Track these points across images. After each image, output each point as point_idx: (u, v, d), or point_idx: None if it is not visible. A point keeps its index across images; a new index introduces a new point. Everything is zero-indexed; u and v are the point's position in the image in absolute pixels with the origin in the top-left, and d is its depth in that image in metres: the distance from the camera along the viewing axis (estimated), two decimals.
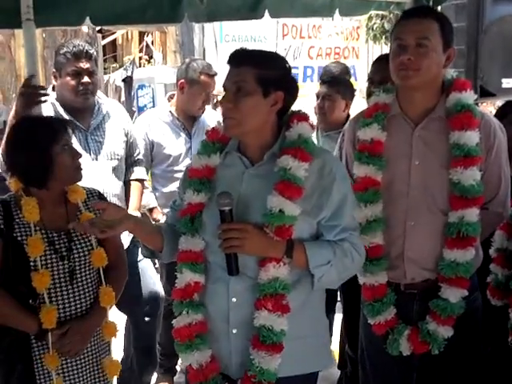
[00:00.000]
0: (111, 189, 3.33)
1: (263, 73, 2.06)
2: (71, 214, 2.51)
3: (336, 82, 4.02)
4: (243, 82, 2.05)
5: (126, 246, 3.08)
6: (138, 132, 3.92)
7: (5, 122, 5.08)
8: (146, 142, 3.90)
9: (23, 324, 2.42)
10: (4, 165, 3.03)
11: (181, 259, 2.19)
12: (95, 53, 3.45)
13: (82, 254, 2.49)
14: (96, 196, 2.62)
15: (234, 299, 2.12)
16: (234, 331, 2.14)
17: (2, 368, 2.45)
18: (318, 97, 3.98)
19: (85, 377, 2.52)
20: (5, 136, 3.08)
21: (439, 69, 2.43)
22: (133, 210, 3.53)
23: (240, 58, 2.12)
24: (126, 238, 3.23)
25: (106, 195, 2.88)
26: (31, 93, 2.96)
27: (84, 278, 2.50)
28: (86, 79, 3.25)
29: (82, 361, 2.51)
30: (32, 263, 2.40)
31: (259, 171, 2.14)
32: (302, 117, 2.15)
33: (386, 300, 2.55)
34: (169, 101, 4.15)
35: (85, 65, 3.25)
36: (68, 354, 2.44)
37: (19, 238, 2.42)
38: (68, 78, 3.25)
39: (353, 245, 2.14)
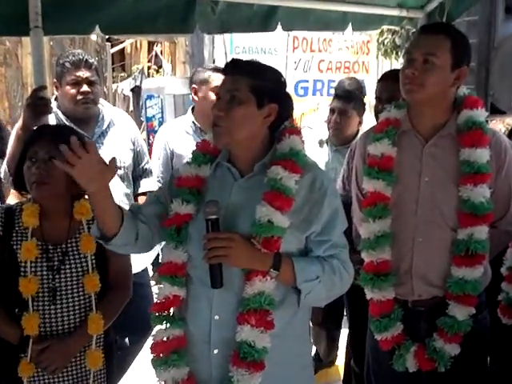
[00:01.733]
0: (119, 197, 3.29)
1: (258, 83, 2.03)
2: (72, 230, 2.45)
3: (352, 98, 4.00)
4: (237, 90, 2.02)
5: (138, 270, 3.02)
6: (159, 141, 3.93)
7: None
8: (167, 151, 3.88)
9: (5, 332, 2.39)
10: (8, 173, 3.04)
11: (161, 271, 2.11)
12: (95, 62, 3.44)
13: (74, 274, 2.42)
14: None
15: (216, 317, 2.05)
16: (215, 351, 2.07)
17: None
18: (332, 111, 3.94)
19: None
20: (9, 145, 3.08)
21: (446, 86, 2.41)
22: None
23: (236, 67, 2.09)
24: (139, 263, 3.19)
25: None
26: (38, 104, 2.95)
27: (71, 298, 2.42)
28: (85, 88, 3.24)
29: (61, 382, 2.43)
30: (22, 268, 2.36)
31: (248, 183, 2.09)
32: (294, 130, 2.11)
33: (393, 316, 2.53)
34: (192, 111, 4.13)
35: (84, 74, 3.25)
36: (45, 370, 2.38)
37: (14, 246, 2.39)
38: (68, 88, 3.25)
39: (342, 262, 2.09)
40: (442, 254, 2.47)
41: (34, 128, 2.66)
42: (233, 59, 2.16)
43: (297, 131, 2.12)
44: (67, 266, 2.41)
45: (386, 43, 8.83)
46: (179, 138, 3.88)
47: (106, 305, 2.46)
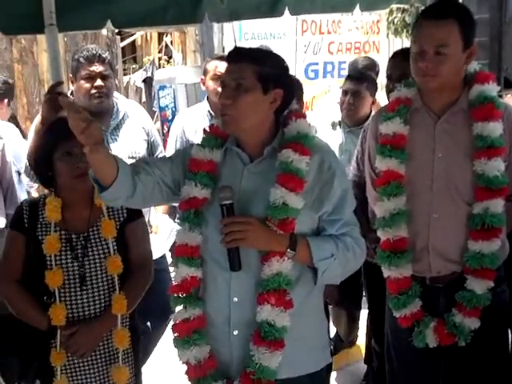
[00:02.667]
0: None
1: (263, 69, 2.05)
2: (93, 218, 2.54)
3: (365, 79, 3.99)
4: (242, 78, 2.04)
5: (157, 257, 3.08)
6: (175, 130, 3.99)
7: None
8: (183, 140, 3.93)
9: (34, 320, 2.47)
10: (28, 167, 3.12)
11: (177, 253, 2.16)
12: (109, 56, 3.48)
13: (97, 258, 2.50)
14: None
15: (235, 299, 2.10)
16: (235, 333, 2.12)
17: (19, 361, 2.52)
18: (345, 93, 3.92)
19: (92, 381, 2.53)
20: (29, 140, 3.16)
21: (459, 68, 2.43)
22: (161, 212, 3.58)
23: (240, 55, 2.12)
24: (157, 249, 3.25)
25: None
26: (56, 99, 3.01)
27: (96, 283, 2.51)
28: (99, 82, 3.28)
29: (90, 365, 2.53)
30: (48, 261, 2.45)
31: (258, 167, 2.13)
32: (300, 114, 2.16)
33: (411, 293, 2.55)
34: (208, 100, 4.15)
35: (98, 68, 3.28)
36: (75, 355, 2.46)
37: (40, 237, 2.49)
38: (82, 82, 3.29)
39: (354, 239, 2.13)
40: (459, 228, 2.49)
41: (54, 123, 2.71)
42: (236, 47, 2.21)
43: (303, 115, 2.16)
44: (90, 252, 2.49)
45: (395, 22, 8.78)
46: (195, 126, 3.92)
47: (128, 288, 2.53)
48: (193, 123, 3.96)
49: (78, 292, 2.48)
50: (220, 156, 2.18)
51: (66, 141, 2.43)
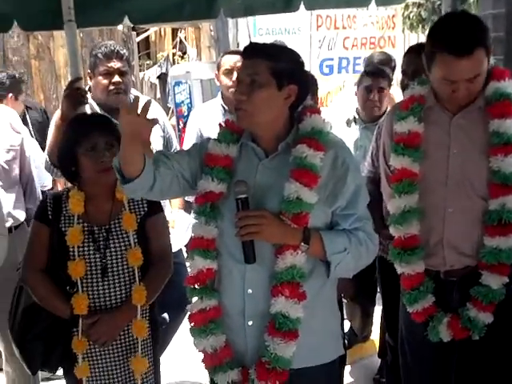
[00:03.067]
0: None
1: (277, 65, 2.07)
2: (115, 211, 2.59)
3: (386, 75, 3.97)
4: (257, 74, 2.06)
5: (174, 251, 3.11)
6: (191, 128, 4.02)
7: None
8: (198, 135, 3.95)
9: (57, 308, 2.53)
10: (48, 162, 3.16)
11: (192, 246, 2.20)
12: (127, 53, 3.51)
13: (118, 250, 2.56)
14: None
15: (249, 290, 2.14)
16: (250, 323, 2.17)
17: (43, 348, 2.57)
18: (369, 89, 3.84)
19: (111, 369, 2.60)
20: (49, 135, 3.19)
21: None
22: (177, 208, 3.61)
23: (254, 51, 2.14)
24: (174, 244, 3.28)
25: None
26: (76, 94, 3.04)
27: (117, 274, 2.56)
28: (116, 78, 3.31)
29: (111, 354, 2.59)
30: (71, 252, 2.51)
31: (273, 162, 2.16)
32: (315, 110, 2.18)
33: (423, 288, 2.57)
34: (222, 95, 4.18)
35: (116, 64, 3.31)
36: (96, 343, 2.52)
37: (63, 229, 2.55)
38: (100, 78, 3.32)
39: (367, 234, 2.16)
40: (473, 223, 2.50)
41: (75, 118, 2.75)
42: (251, 42, 2.23)
43: (317, 110, 2.18)
44: (111, 244, 2.55)
45: (411, 17, 8.76)
46: (210, 121, 3.93)
47: (148, 280, 2.58)
48: (208, 118, 3.98)
49: (100, 282, 2.54)
50: (236, 151, 2.21)
51: (89, 136, 2.49)
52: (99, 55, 3.31)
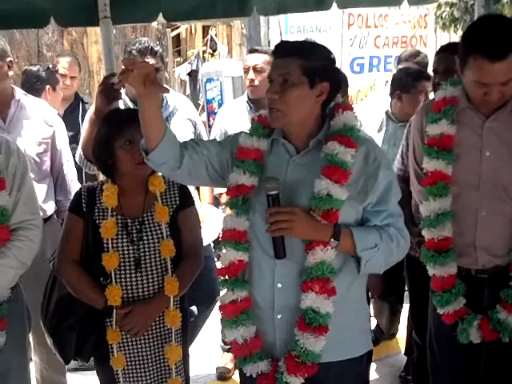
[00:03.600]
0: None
1: (309, 64, 2.07)
2: (148, 204, 2.64)
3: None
4: (289, 73, 2.07)
5: (206, 244, 3.15)
6: (216, 125, 4.09)
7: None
8: (222, 131, 4.00)
9: (92, 299, 2.58)
10: (82, 157, 3.21)
11: (224, 238, 2.22)
12: (160, 49, 3.53)
13: (151, 242, 2.60)
14: (177, 187, 2.70)
15: (279, 285, 2.16)
16: (279, 317, 2.19)
17: (76, 337, 2.62)
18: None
19: (145, 359, 2.64)
20: (83, 130, 3.24)
21: None
22: (206, 203, 3.65)
23: (286, 50, 2.14)
24: (207, 237, 3.32)
25: None
26: (110, 90, 3.08)
27: (150, 266, 2.60)
28: None
29: (145, 344, 2.63)
30: (105, 244, 2.56)
31: (303, 159, 2.17)
32: (347, 107, 2.18)
33: (455, 291, 2.56)
34: None
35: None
36: (129, 333, 2.57)
37: (97, 221, 2.60)
38: None
39: (398, 230, 2.16)
40: (506, 226, 2.50)
41: (111, 113, 2.80)
42: (282, 41, 2.24)
43: (350, 107, 2.19)
44: (144, 236, 2.59)
45: (444, 16, 8.71)
46: (236, 120, 3.94)
47: (180, 272, 2.62)
48: (233, 116, 4.02)
49: (133, 274, 2.58)
50: (267, 145, 2.23)
51: (126, 130, 2.54)
52: (133, 52, 3.35)
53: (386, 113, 4.00)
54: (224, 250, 2.23)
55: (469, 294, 2.58)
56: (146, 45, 3.36)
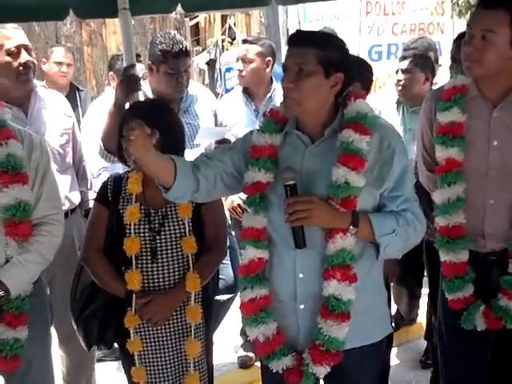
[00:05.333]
0: None
1: (325, 54, 2.08)
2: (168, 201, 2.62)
3: (413, 56, 4.00)
4: (305, 62, 2.08)
5: None
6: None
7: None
8: (212, 118, 4.03)
9: (113, 287, 2.62)
10: (103, 148, 3.24)
11: (244, 236, 2.24)
12: (188, 46, 3.51)
13: (173, 235, 2.62)
14: None
15: (300, 275, 2.18)
16: (302, 307, 2.21)
17: (98, 325, 2.67)
18: (397, 73, 3.98)
19: (164, 350, 2.67)
20: (103, 121, 3.26)
21: (506, 61, 2.40)
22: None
23: (302, 39, 2.16)
24: None
25: None
26: (130, 81, 3.10)
27: (168, 259, 2.62)
28: (182, 77, 3.33)
29: (164, 336, 2.66)
30: (127, 229, 2.59)
31: (319, 148, 2.18)
32: (359, 94, 2.20)
33: (466, 278, 2.60)
34: None
35: (183, 63, 3.32)
36: (148, 322, 2.60)
37: (121, 210, 2.63)
38: (166, 75, 3.32)
39: (414, 214, 2.18)
40: None
41: (131, 105, 2.82)
42: (297, 30, 2.24)
43: (361, 95, 2.21)
44: (166, 229, 2.62)
45: (460, 3, 8.65)
46: (230, 110, 3.93)
47: (202, 264, 2.64)
48: (229, 105, 4.02)
49: (149, 264, 2.61)
50: (280, 139, 2.24)
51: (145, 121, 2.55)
52: (167, 54, 3.28)
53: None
54: (244, 249, 2.25)
55: (478, 275, 2.60)
56: (180, 46, 3.30)
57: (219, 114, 3.91)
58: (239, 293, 2.37)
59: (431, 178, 2.67)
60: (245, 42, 4.16)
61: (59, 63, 5.04)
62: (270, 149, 2.22)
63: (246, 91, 4.05)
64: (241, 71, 4.04)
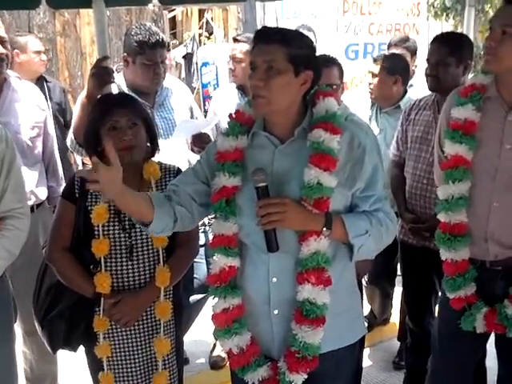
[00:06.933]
0: (183, 162, 3.33)
1: (294, 51, 2.03)
2: (142, 191, 2.54)
3: (382, 59, 4.02)
4: (274, 60, 2.02)
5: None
6: (211, 106, 4.20)
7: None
8: (214, 114, 4.02)
9: (80, 287, 2.54)
10: (74, 141, 3.17)
11: (214, 244, 2.17)
12: (166, 38, 3.46)
13: (143, 232, 2.54)
14: (173, 174, 2.64)
15: (274, 279, 2.13)
16: (276, 312, 2.16)
17: (65, 325, 2.59)
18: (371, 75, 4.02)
19: (133, 350, 2.61)
20: (74, 114, 3.20)
21: None
22: None
23: (270, 36, 2.08)
24: None
25: None
26: (102, 73, 3.03)
27: (142, 255, 2.56)
28: (159, 69, 3.29)
29: (132, 334, 2.60)
30: (96, 231, 2.52)
31: (289, 148, 2.12)
32: (327, 93, 2.14)
33: (468, 276, 2.57)
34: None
35: (160, 55, 3.28)
36: (118, 323, 2.53)
37: (89, 207, 2.55)
38: (143, 67, 3.28)
39: (386, 214, 2.15)
40: None
41: (100, 98, 2.75)
42: (264, 27, 2.17)
43: (330, 93, 2.15)
44: (137, 226, 2.52)
45: (436, 5, 8.75)
46: (226, 104, 3.93)
47: (173, 262, 2.58)
48: (225, 99, 4.07)
49: (124, 262, 2.54)
50: (246, 142, 2.18)
51: (111, 115, 2.48)
52: (143, 45, 3.24)
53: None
54: (214, 257, 2.18)
55: (482, 285, 2.58)
56: (158, 38, 3.25)
57: (215, 105, 4.01)
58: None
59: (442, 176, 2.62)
60: (235, 40, 4.17)
61: (37, 52, 4.99)
62: (236, 152, 2.16)
63: (241, 87, 4.06)
64: (232, 70, 4.06)
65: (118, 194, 2.00)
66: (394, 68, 3.96)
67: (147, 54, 3.25)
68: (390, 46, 5.22)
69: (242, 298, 2.19)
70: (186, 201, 2.20)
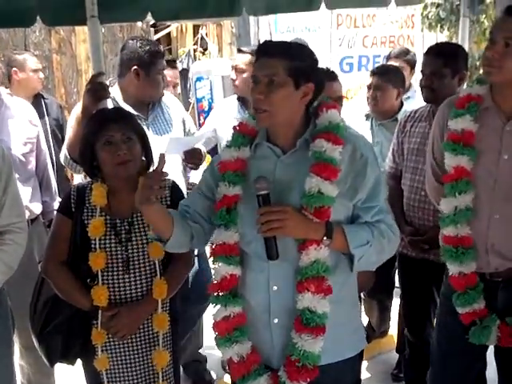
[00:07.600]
0: (177, 174, 3.34)
1: (294, 64, 2.05)
2: None
3: (385, 72, 4.01)
4: (275, 74, 2.04)
5: None
6: (207, 124, 4.17)
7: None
8: (211, 132, 4.02)
9: (77, 300, 2.54)
10: (68, 157, 3.17)
11: (215, 252, 2.18)
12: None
13: (140, 243, 2.56)
14: (168, 186, 2.65)
15: (274, 287, 2.13)
16: (276, 321, 2.15)
17: (63, 339, 2.58)
18: (369, 88, 3.99)
19: (132, 362, 2.60)
20: (68, 130, 3.20)
21: None
22: None
23: (271, 49, 2.11)
24: None
25: None
26: (97, 89, 3.05)
27: (138, 267, 2.56)
28: (164, 75, 3.37)
29: (131, 347, 2.59)
30: (93, 244, 2.52)
31: (292, 159, 2.14)
32: (331, 105, 2.16)
33: (478, 289, 2.54)
34: None
35: (165, 64, 3.35)
36: (115, 336, 2.53)
37: (86, 221, 2.55)
38: (157, 77, 3.30)
39: (388, 226, 2.15)
40: None
41: (95, 113, 2.76)
42: (266, 41, 2.19)
43: (333, 105, 2.17)
44: (133, 237, 2.55)
45: (430, 16, 8.79)
46: (226, 118, 3.95)
47: (169, 274, 2.59)
48: (223, 114, 4.08)
49: (121, 276, 2.55)
50: (248, 152, 2.21)
51: (106, 130, 2.49)
52: (156, 54, 3.29)
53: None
54: (216, 265, 2.19)
55: (484, 297, 2.56)
56: (159, 48, 3.32)
57: (214, 121, 4.03)
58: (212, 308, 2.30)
59: (439, 189, 2.61)
60: (239, 51, 4.18)
61: (35, 70, 5.01)
62: (237, 162, 2.18)
63: (242, 99, 4.07)
64: (234, 80, 4.07)
65: (147, 207, 2.09)
66: (397, 81, 3.97)
67: (159, 63, 3.30)
68: (389, 58, 5.23)
69: (242, 308, 2.20)
70: (198, 219, 2.25)
